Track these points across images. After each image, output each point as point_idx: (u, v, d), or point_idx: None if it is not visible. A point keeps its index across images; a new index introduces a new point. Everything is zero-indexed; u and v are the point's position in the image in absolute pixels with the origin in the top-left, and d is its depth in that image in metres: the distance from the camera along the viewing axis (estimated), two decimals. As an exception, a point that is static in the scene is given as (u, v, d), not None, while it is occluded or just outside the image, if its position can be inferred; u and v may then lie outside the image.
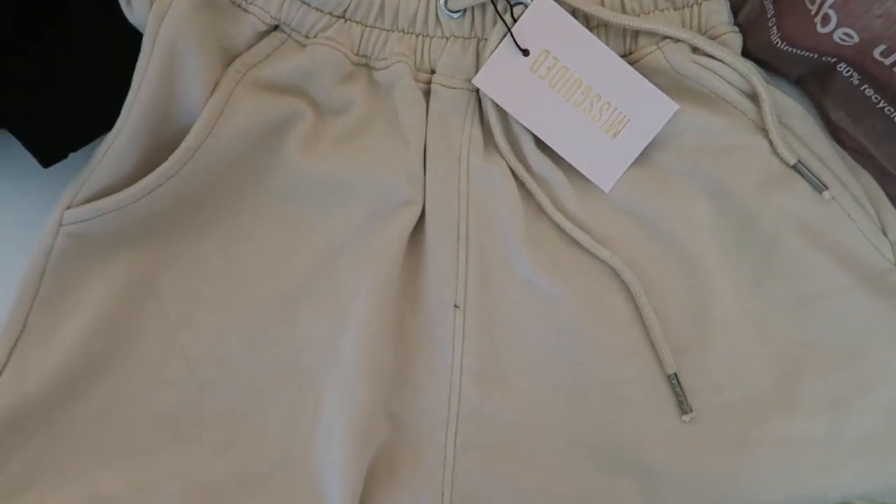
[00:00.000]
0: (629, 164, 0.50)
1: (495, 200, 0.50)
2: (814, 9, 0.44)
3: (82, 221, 0.46)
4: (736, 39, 0.50)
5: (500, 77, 0.49)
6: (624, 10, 0.50)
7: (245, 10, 0.48)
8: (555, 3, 0.48)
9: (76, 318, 0.47)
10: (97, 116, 0.48)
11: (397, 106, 0.49)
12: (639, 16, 0.50)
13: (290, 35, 0.50)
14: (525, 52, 0.49)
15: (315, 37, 0.49)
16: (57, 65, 0.47)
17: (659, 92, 0.49)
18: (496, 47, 0.49)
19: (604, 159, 0.50)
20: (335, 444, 0.47)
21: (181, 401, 0.48)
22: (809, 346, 0.48)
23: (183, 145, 0.46)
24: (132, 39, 0.47)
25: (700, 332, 0.48)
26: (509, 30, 0.48)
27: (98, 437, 0.47)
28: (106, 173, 0.46)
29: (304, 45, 0.49)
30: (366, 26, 0.50)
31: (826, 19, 0.43)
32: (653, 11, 0.50)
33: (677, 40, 0.49)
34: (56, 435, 0.46)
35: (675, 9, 0.50)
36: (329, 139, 0.50)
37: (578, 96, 0.49)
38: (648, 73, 0.50)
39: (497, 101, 0.49)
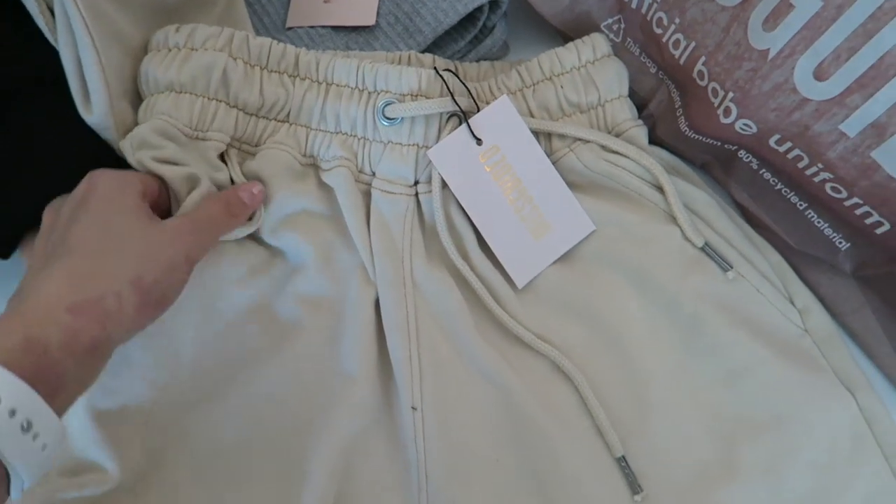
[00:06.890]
0: (545, 267, 0.52)
1: (442, 301, 0.50)
2: (717, 102, 0.48)
3: None
4: (641, 133, 0.54)
5: (452, 157, 0.51)
6: (531, 116, 0.53)
7: (204, 140, 0.49)
8: (514, 107, 0.51)
9: None
10: None
11: (342, 208, 0.50)
12: (556, 120, 0.53)
13: (240, 148, 0.51)
14: (479, 142, 0.51)
15: (265, 143, 0.51)
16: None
17: (581, 210, 0.52)
18: (454, 129, 0.51)
19: (524, 258, 0.52)
20: None
21: None
22: (740, 418, 0.50)
23: None
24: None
25: (642, 415, 0.50)
26: (465, 121, 0.50)
27: None
28: None
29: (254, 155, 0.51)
30: (310, 129, 0.51)
31: (728, 112, 0.47)
32: (562, 118, 0.54)
33: (587, 141, 0.52)
34: None
35: (581, 112, 0.54)
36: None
37: (515, 195, 0.52)
38: (564, 172, 0.53)
39: (444, 176, 0.51)
